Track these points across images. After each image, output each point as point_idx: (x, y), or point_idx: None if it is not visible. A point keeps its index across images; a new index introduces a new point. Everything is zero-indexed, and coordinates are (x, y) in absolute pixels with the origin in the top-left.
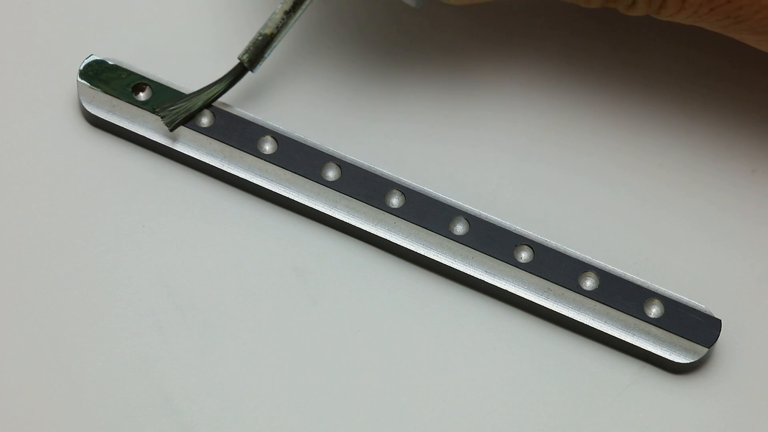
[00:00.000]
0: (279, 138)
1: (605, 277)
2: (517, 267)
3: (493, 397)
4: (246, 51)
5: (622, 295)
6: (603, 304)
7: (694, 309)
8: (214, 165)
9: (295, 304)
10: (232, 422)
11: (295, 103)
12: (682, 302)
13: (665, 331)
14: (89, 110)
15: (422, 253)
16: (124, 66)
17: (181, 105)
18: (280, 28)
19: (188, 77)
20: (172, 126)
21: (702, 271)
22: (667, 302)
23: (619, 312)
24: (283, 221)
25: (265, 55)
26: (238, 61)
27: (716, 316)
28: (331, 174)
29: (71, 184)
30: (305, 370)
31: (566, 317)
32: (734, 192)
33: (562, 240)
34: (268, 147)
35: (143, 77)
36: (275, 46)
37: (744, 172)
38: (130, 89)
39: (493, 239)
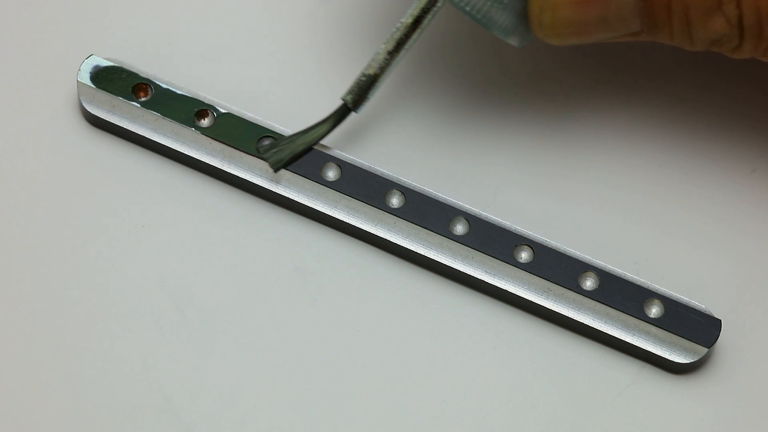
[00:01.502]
0: (279, 138)
1: (605, 277)
2: (517, 267)
3: (493, 397)
4: (350, 92)
5: (622, 295)
6: (603, 304)
7: (694, 309)
8: (214, 165)
9: (295, 304)
10: (232, 422)
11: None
12: (682, 302)
13: (665, 331)
14: (89, 110)
15: (422, 253)
16: (124, 66)
17: (284, 146)
18: (383, 69)
19: (188, 78)
20: (277, 168)
21: (702, 271)
22: (667, 302)
23: (619, 312)
24: (283, 221)
25: (369, 96)
26: (342, 101)
27: (716, 316)
28: (331, 174)
29: (71, 184)
30: (305, 370)
31: (566, 317)
32: (734, 192)
33: (562, 240)
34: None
35: (143, 77)
36: (379, 87)
37: (744, 172)
38: (130, 89)
39: (493, 239)
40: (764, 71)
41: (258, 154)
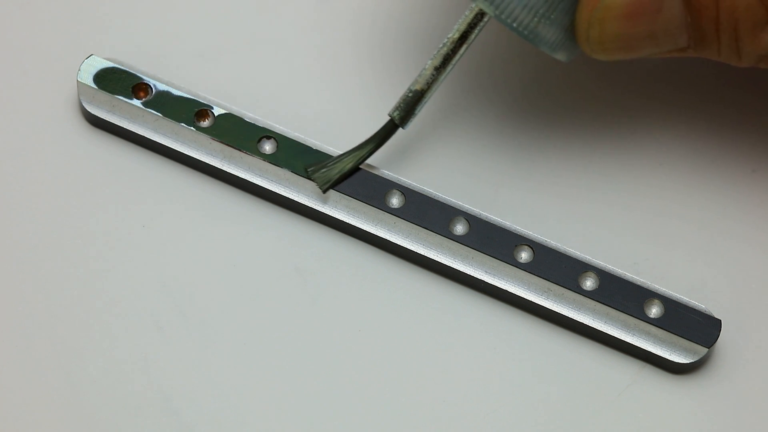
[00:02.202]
0: (279, 138)
1: (605, 277)
2: (517, 267)
3: (493, 397)
4: (396, 108)
5: (622, 295)
6: (603, 304)
7: (694, 309)
8: (214, 165)
9: (295, 304)
10: (232, 422)
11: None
12: (682, 302)
13: (665, 331)
14: (89, 110)
15: (422, 253)
16: (124, 66)
17: (333, 166)
18: (430, 84)
19: (188, 78)
20: (326, 188)
21: (702, 271)
22: (667, 302)
23: (619, 312)
24: (283, 221)
25: (416, 112)
26: (389, 117)
27: (716, 316)
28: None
29: (71, 184)
30: (305, 370)
31: (566, 317)
32: (734, 192)
33: (562, 240)
34: (268, 147)
35: (143, 77)
36: (426, 103)
37: (744, 172)
38: (130, 89)
39: (493, 239)
40: (765, 73)
41: (260, 154)
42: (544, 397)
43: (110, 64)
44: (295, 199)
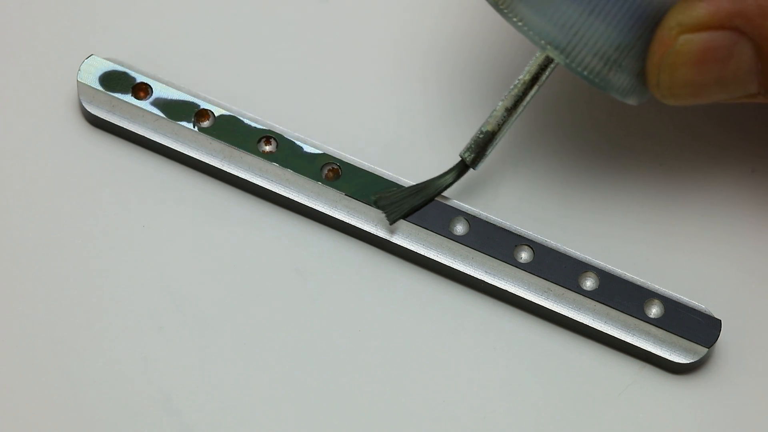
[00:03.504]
0: (279, 138)
1: (605, 277)
2: (517, 267)
3: (493, 397)
4: (468, 149)
5: (622, 295)
6: (603, 304)
7: (694, 309)
8: (214, 165)
9: (295, 304)
10: (232, 422)
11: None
12: (682, 302)
13: (665, 331)
14: (89, 110)
15: (422, 253)
16: (124, 66)
17: (403, 201)
18: (501, 125)
19: (188, 78)
20: (394, 221)
21: (702, 271)
22: (667, 302)
23: (619, 312)
24: (283, 221)
25: (487, 153)
26: (460, 158)
27: (716, 316)
28: (331, 174)
29: (71, 184)
30: (305, 370)
31: (566, 317)
32: (734, 192)
33: (562, 240)
34: (267, 147)
35: (143, 77)
36: (497, 143)
37: (744, 172)
38: (130, 89)
39: (493, 239)
40: None
41: (260, 154)
42: (543, 397)
43: (110, 64)
44: (295, 198)
